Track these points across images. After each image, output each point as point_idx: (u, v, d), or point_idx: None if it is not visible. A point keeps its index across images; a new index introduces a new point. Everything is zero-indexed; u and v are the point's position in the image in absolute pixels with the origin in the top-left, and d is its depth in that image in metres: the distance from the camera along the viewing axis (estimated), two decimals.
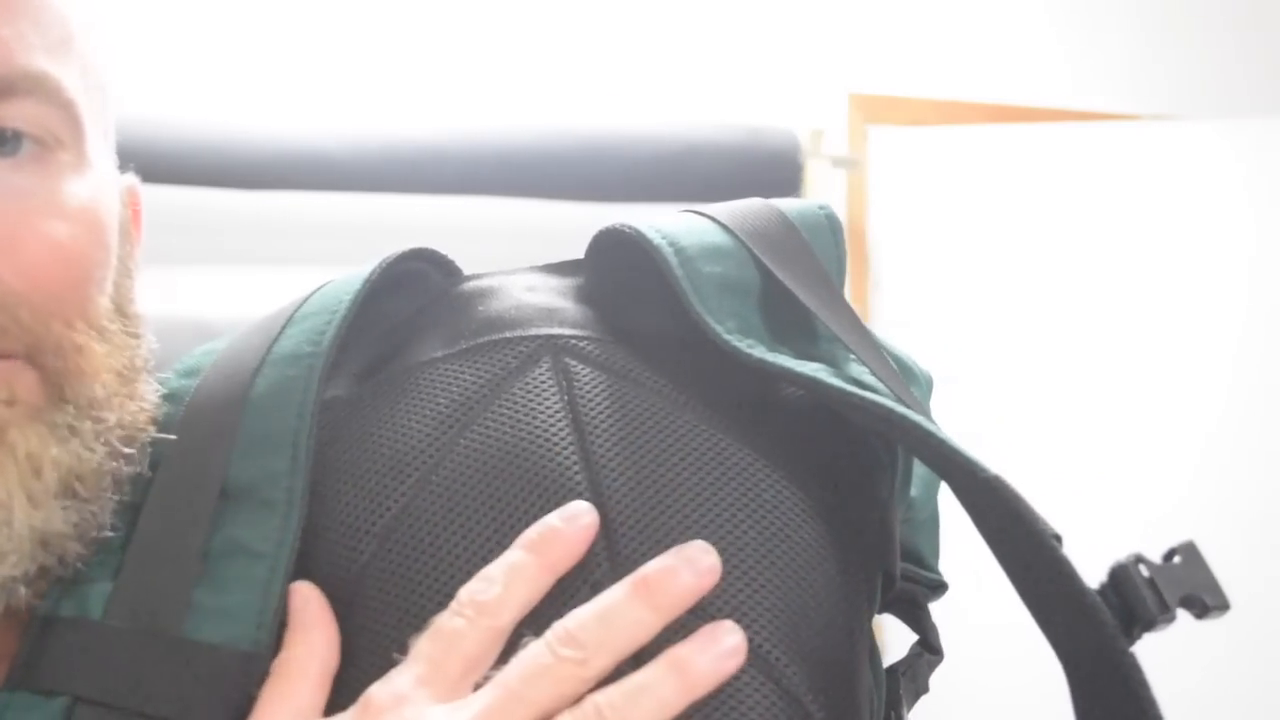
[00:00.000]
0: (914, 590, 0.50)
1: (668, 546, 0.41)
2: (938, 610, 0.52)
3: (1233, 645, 2.24)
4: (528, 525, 0.41)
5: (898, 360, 0.51)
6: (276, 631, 0.41)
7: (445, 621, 0.40)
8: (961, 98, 2.37)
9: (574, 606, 0.40)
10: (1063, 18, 2.46)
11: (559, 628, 0.39)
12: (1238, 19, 2.56)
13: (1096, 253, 2.35)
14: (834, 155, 2.19)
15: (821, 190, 2.14)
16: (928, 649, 0.51)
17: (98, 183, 0.47)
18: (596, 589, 0.40)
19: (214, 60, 1.88)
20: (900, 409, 0.43)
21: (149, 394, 0.47)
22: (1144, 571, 0.41)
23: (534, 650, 0.39)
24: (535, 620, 0.40)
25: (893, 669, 0.49)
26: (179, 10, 1.87)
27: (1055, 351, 2.34)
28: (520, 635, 0.40)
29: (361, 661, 0.42)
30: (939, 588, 0.51)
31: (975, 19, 2.41)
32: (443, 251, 0.51)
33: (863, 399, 0.43)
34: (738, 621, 0.40)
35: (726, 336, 0.45)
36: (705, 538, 0.41)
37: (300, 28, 1.94)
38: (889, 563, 0.47)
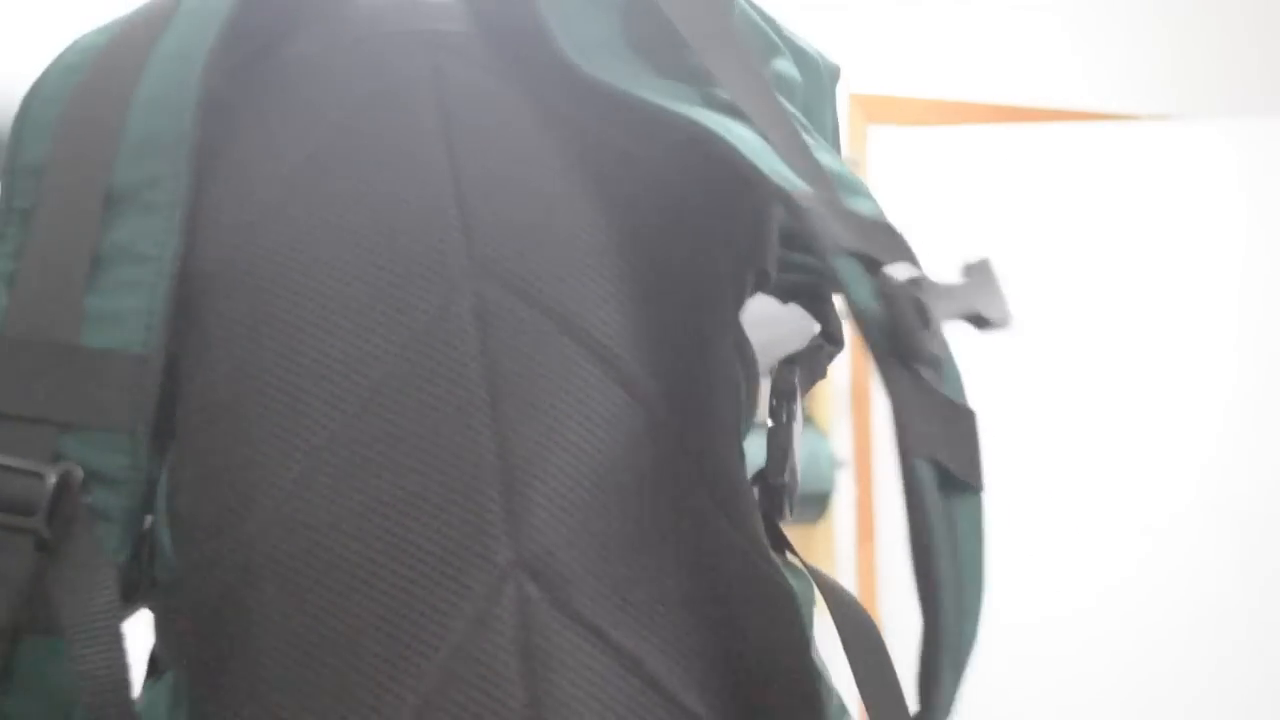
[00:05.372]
0: (816, 283, 0.50)
1: (526, 242, 0.43)
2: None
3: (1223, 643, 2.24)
4: (389, 206, 0.43)
5: (802, 53, 0.51)
6: (164, 335, 0.43)
7: None
8: (961, 98, 2.38)
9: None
10: (1063, 18, 2.46)
11: None
12: (1238, 19, 2.56)
13: (1096, 252, 2.35)
14: None
15: None
16: (829, 340, 0.51)
17: None
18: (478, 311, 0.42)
19: None
20: (707, 122, 0.42)
21: None
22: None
23: None
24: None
25: (790, 360, 0.50)
26: None
27: (1054, 349, 2.34)
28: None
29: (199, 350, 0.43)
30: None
31: (975, 19, 2.41)
32: None
33: (673, 112, 0.43)
34: (588, 304, 0.42)
35: (577, 60, 0.45)
36: (563, 236, 0.43)
37: None
38: (761, 261, 0.47)
